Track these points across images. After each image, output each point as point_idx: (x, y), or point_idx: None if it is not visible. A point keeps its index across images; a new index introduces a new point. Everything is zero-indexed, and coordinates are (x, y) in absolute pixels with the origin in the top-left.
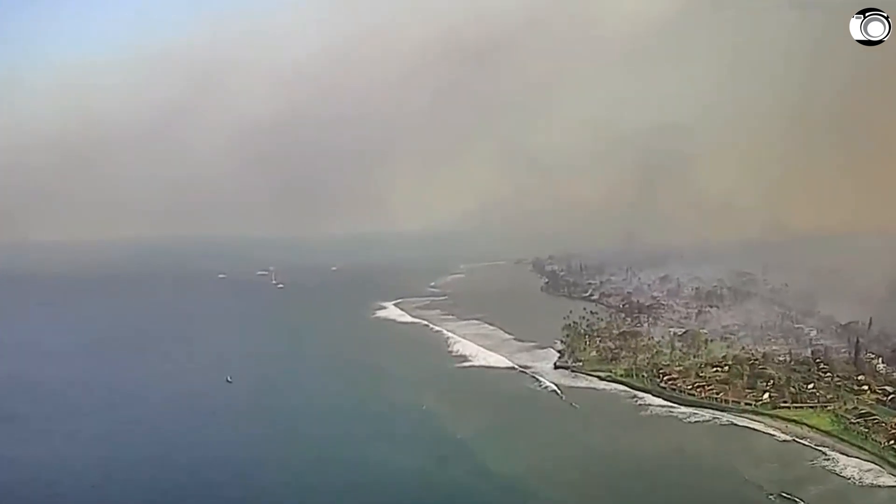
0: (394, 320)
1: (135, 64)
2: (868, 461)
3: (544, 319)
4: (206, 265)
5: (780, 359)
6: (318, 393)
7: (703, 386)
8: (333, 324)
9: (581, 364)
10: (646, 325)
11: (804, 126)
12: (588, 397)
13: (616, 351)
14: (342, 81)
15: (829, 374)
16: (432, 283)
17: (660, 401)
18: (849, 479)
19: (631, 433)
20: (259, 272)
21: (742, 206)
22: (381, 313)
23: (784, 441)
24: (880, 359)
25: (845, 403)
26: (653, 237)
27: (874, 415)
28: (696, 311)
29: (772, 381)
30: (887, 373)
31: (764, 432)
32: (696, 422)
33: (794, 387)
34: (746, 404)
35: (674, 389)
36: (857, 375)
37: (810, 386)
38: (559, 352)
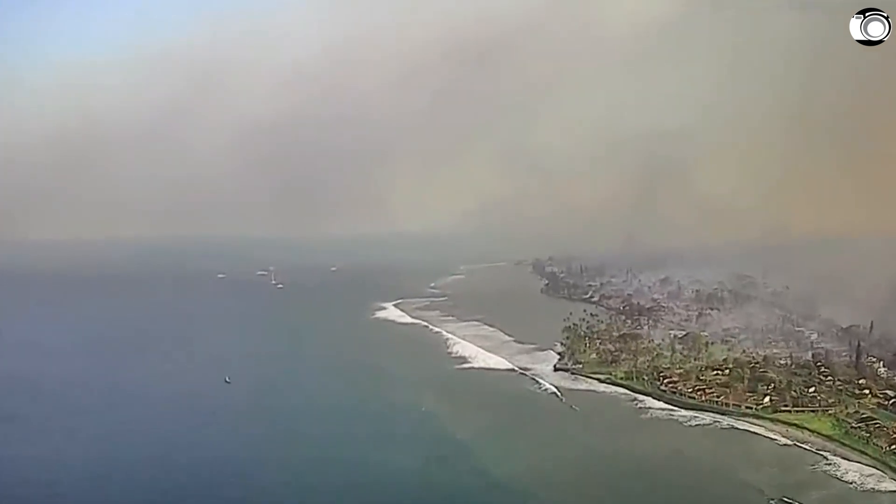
0: (393, 321)
1: (135, 64)
2: (869, 466)
3: (544, 321)
4: (205, 265)
5: (781, 362)
6: (317, 393)
7: (704, 389)
8: (333, 324)
9: (581, 366)
10: (646, 327)
11: (805, 128)
12: (588, 400)
13: (616, 353)
14: (342, 81)
15: (830, 377)
16: (432, 284)
17: (660, 404)
18: (850, 483)
19: (631, 436)
20: (259, 272)
21: (742, 208)
22: (380, 314)
23: (785, 445)
24: (881, 363)
25: (846, 407)
26: (653, 239)
27: (875, 419)
28: (696, 313)
29: (773, 385)
30: (888, 377)
31: (765, 436)
32: (696, 425)
33: (794, 390)
34: (747, 408)
35: (674, 392)
36: (859, 379)
37: (811, 390)
38: (559, 354)
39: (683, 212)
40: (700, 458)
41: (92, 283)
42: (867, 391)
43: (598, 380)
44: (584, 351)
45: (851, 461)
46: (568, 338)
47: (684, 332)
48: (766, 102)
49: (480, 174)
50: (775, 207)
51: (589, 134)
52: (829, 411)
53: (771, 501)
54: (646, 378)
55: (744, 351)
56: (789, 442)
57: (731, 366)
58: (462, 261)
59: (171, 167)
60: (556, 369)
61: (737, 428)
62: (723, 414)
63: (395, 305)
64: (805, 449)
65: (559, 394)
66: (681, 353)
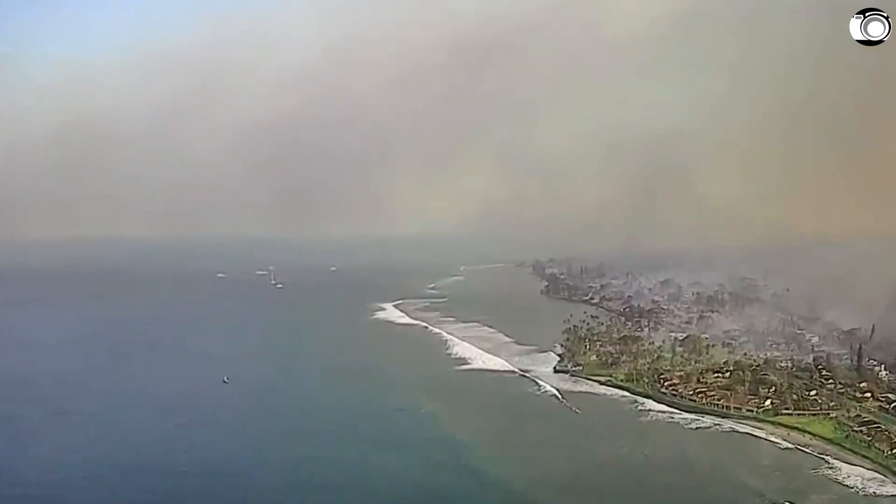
0: (393, 322)
1: (135, 64)
2: (871, 470)
3: (544, 323)
4: (205, 265)
5: (782, 365)
6: (316, 393)
7: (705, 392)
8: (332, 324)
9: (581, 368)
10: (646, 329)
11: (806, 130)
12: (588, 402)
13: (616, 355)
14: (343, 82)
15: (831, 381)
16: (432, 285)
17: (661, 406)
18: (852, 488)
19: (631, 439)
20: (258, 272)
21: (743, 209)
22: (380, 314)
23: (786, 449)
24: (883, 366)
25: (848, 411)
26: (653, 241)
27: (877, 423)
28: (697, 315)
29: (774, 388)
30: (890, 380)
31: (766, 440)
32: (697, 428)
33: (796, 394)
34: (748, 411)
35: (675, 395)
36: (860, 383)
37: (812, 393)
38: (559, 356)
39: (684, 213)
40: (701, 461)
41: (91, 283)
42: (868, 395)
43: (599, 382)
44: (585, 353)
45: (853, 465)
46: (568, 339)
47: (685, 335)
48: (767, 103)
49: (480, 175)
50: (776, 209)
51: (589, 135)
52: (831, 415)
53: None
54: (646, 380)
55: (745, 354)
56: (791, 445)
57: (731, 368)
58: (462, 262)
59: (171, 167)
60: (556, 371)
61: (738, 431)
62: (724, 417)
63: (394, 306)
64: (806, 453)
65: (559, 396)
66: (681, 356)
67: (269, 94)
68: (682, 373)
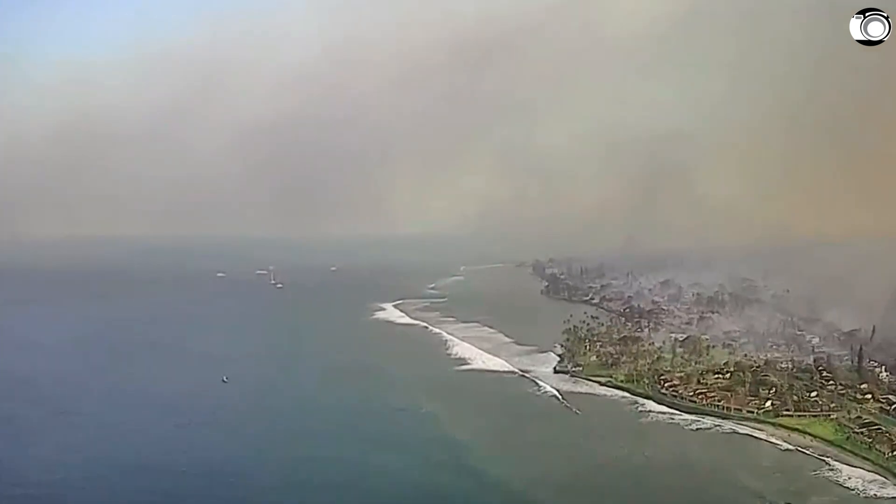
0: (393, 322)
1: (135, 63)
2: (872, 472)
3: (544, 323)
4: (205, 264)
5: (783, 366)
6: (316, 393)
7: (705, 393)
8: (332, 324)
9: (581, 369)
10: (646, 330)
11: (806, 130)
12: (588, 403)
13: (616, 356)
14: (342, 82)
15: (831, 382)
16: (432, 285)
17: (661, 407)
18: (852, 490)
19: (632, 440)
20: (258, 271)
21: (743, 209)
22: (380, 314)
23: (787, 450)
24: (883, 367)
25: (849, 413)
26: (653, 241)
27: (878, 424)
28: (697, 316)
29: (774, 389)
30: (890, 382)
31: (766, 441)
32: (697, 429)
33: (796, 395)
34: (748, 412)
35: (675, 396)
36: (861, 384)
37: (813, 394)
38: (559, 356)
39: (684, 213)
40: (701, 462)
41: (91, 282)
42: (869, 396)
43: (599, 382)
44: (585, 353)
45: (854, 467)
46: (568, 340)
47: (685, 336)
48: (767, 103)
49: (480, 175)
50: (776, 209)
51: (589, 135)
52: (831, 416)
53: None
54: (646, 381)
55: (745, 355)
56: (791, 447)
57: (732, 370)
58: (462, 262)
59: (171, 167)
60: (555, 371)
61: (738, 432)
62: (724, 418)
63: (394, 306)
64: (807, 454)
65: (559, 396)
66: (682, 357)
67: (269, 94)
68: (682, 374)
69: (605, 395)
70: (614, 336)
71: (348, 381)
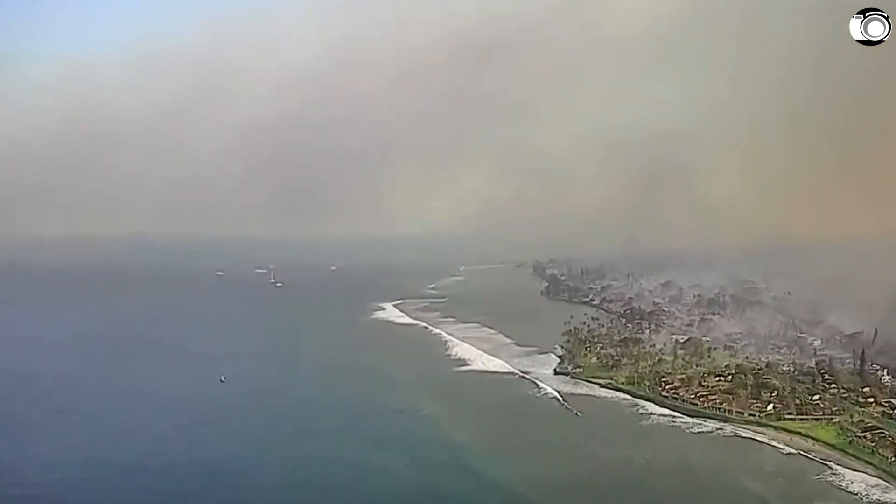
0: (393, 322)
1: (135, 63)
2: (875, 476)
3: (544, 324)
4: (205, 264)
5: (784, 369)
6: (316, 393)
7: (707, 395)
8: (332, 323)
9: (581, 370)
10: (647, 331)
11: (806, 130)
12: (589, 404)
13: (617, 358)
14: (343, 82)
15: (834, 385)
16: (432, 285)
17: (662, 410)
18: (855, 494)
19: (632, 442)
20: (258, 270)
21: (744, 210)
22: (379, 314)
23: (789, 454)
24: (886, 371)
25: (851, 416)
26: (653, 241)
27: (880, 428)
28: (698, 318)
29: (776, 392)
30: (893, 385)
31: (768, 444)
32: (699, 432)
33: (798, 398)
34: (750, 415)
35: (676, 398)
36: (863, 387)
37: (815, 397)
38: (559, 357)
39: (684, 213)
40: (702, 465)
41: (91, 281)
42: (872, 399)
43: (599, 384)
44: (585, 355)
45: (856, 471)
46: (568, 341)
47: (686, 337)
48: (767, 103)
49: (480, 175)
50: (776, 209)
51: (589, 135)
52: (834, 420)
53: None
54: (647, 383)
55: (747, 357)
56: (793, 451)
57: (733, 372)
58: (462, 262)
59: (171, 166)
60: (556, 373)
61: (740, 436)
62: (725, 421)
63: (394, 306)
64: (809, 458)
65: (559, 398)
66: (683, 359)
67: (270, 94)
68: (683, 376)
69: (606, 396)
70: (615, 338)
71: (348, 380)
